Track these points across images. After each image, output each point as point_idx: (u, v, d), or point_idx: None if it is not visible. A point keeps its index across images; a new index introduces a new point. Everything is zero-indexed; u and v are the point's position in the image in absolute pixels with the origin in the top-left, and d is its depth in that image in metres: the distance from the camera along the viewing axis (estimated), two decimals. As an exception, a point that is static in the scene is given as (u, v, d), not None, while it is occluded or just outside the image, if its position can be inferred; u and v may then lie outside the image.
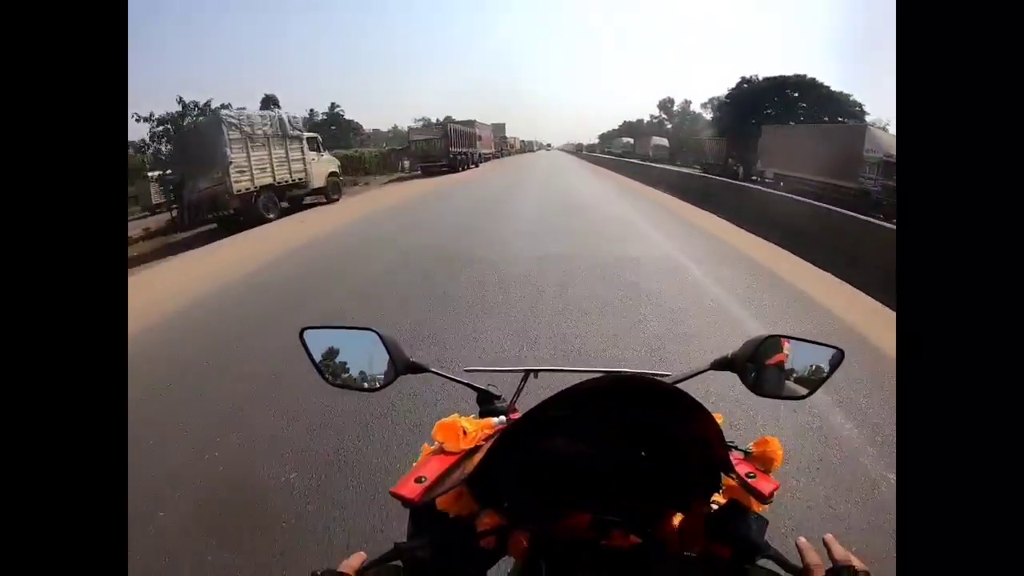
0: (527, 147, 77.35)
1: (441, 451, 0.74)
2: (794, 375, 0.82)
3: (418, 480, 0.67)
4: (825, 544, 0.62)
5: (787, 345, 0.82)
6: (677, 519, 0.71)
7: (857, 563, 0.59)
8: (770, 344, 0.82)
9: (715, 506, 0.72)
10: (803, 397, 0.83)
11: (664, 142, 50.24)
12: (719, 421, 0.79)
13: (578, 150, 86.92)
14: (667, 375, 0.88)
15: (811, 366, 0.82)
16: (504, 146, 52.02)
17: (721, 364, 0.85)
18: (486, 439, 0.74)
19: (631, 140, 58.24)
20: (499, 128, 51.74)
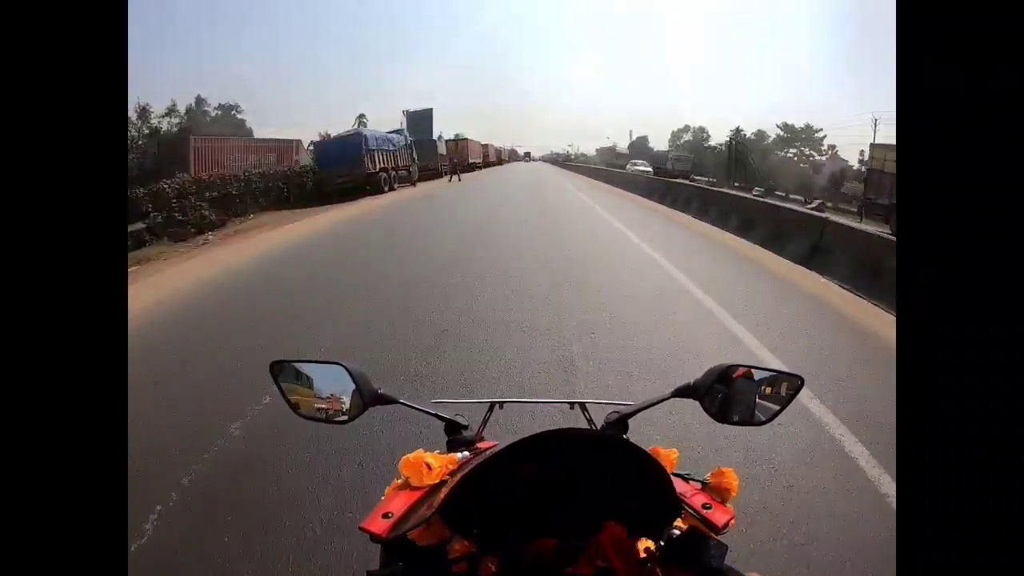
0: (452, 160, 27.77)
1: (407, 486, 0.76)
2: (754, 402, 0.86)
3: (385, 516, 0.70)
4: None
5: (748, 373, 0.87)
6: (641, 544, 0.73)
7: None
8: (731, 372, 0.86)
9: (676, 532, 0.74)
10: (763, 423, 0.87)
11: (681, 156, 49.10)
12: (674, 456, 0.84)
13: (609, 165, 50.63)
14: (630, 404, 0.94)
15: (770, 393, 0.87)
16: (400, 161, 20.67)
17: (683, 392, 0.89)
18: (450, 473, 0.76)
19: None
20: (421, 118, 25.33)
